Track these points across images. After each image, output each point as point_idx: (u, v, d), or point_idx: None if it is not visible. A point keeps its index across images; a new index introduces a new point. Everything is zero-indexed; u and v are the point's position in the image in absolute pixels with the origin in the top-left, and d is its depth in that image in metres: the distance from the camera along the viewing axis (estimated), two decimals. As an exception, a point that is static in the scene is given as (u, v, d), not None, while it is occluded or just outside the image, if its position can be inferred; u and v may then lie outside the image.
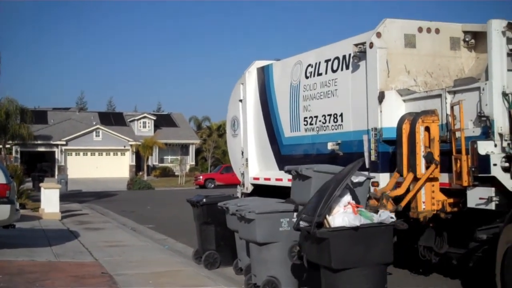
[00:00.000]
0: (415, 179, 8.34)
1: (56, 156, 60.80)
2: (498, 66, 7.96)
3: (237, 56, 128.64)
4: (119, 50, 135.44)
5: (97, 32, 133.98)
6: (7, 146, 46.74)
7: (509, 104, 7.87)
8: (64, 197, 26.17)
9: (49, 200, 20.90)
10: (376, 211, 7.30)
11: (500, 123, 7.84)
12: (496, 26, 8.03)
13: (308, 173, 8.44)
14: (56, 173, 56.57)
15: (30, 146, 55.41)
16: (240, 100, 13.73)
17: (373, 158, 9.40)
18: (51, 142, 59.95)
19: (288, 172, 9.09)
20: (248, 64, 13.67)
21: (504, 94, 7.88)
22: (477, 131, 8.04)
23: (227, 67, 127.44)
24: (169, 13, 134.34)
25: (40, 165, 55.77)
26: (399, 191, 8.37)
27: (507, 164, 7.64)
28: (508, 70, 8.01)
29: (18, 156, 56.43)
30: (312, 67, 11.26)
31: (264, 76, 12.96)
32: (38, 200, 23.44)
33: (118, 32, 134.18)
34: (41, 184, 25.05)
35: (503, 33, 8.01)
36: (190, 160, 66.24)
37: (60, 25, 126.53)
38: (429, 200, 8.43)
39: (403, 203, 8.32)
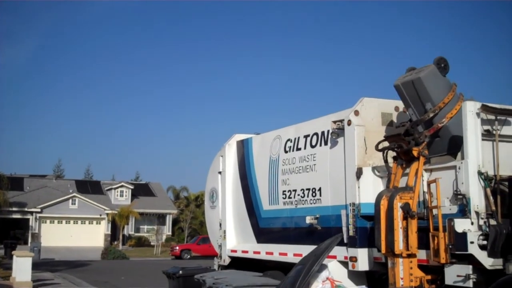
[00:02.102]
0: (394, 255, 8.36)
1: (30, 224, 59.72)
2: (473, 146, 8.16)
3: (216, 128, 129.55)
4: (98, 119, 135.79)
5: (76, 101, 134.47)
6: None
7: (485, 182, 8.03)
8: (37, 266, 25.61)
9: (21, 268, 20.42)
10: None
11: (476, 201, 7.96)
12: (470, 108, 8.28)
13: None
14: (30, 240, 55.43)
15: (4, 212, 54.52)
16: (220, 172, 13.80)
17: (351, 233, 9.43)
18: (26, 209, 59.02)
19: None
20: (227, 136, 13.86)
21: (480, 173, 8.05)
22: (454, 209, 8.15)
23: (206, 139, 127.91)
24: (147, 82, 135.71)
25: (13, 232, 54.74)
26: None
27: (484, 242, 7.72)
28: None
29: (-9, 222, 55.37)
30: (291, 141, 11.43)
31: (244, 149, 13.09)
32: (10, 268, 22.90)
33: (97, 102, 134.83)
34: (13, 252, 24.53)
35: (477, 114, 8.27)
36: (167, 230, 65.48)
37: (38, 92, 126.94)
38: (407, 276, 8.42)
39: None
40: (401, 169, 8.88)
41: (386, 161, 9.09)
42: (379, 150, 9.18)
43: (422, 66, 9.21)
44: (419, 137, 8.67)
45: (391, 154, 9.18)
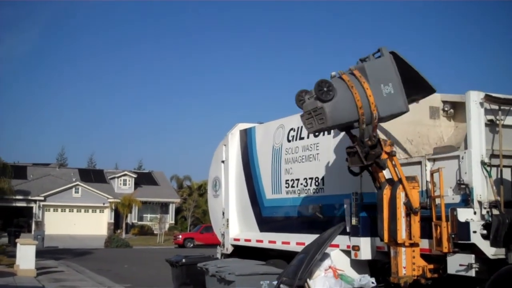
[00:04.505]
0: (396, 244, 8.39)
1: (34, 212, 59.95)
2: (477, 136, 8.17)
3: (219, 117, 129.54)
4: (101, 108, 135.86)
5: (79, 90, 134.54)
6: (-16, 200, 46.15)
7: (488, 172, 8.04)
8: (40, 254, 25.72)
9: (25, 256, 20.55)
10: None
11: (479, 191, 7.98)
12: (474, 97, 8.28)
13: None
14: (33, 229, 55.64)
15: (7, 201, 54.68)
16: (223, 161, 13.81)
17: (354, 222, 9.45)
18: (29, 197, 59.22)
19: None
20: (230, 125, 13.86)
21: (483, 163, 8.06)
22: (457, 199, 8.17)
23: (209, 128, 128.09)
24: (151, 72, 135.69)
25: (17, 221, 54.92)
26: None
27: (486, 231, 7.74)
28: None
29: (-5, 210, 55.57)
30: (294, 131, 11.43)
31: (247, 138, 13.10)
32: (14, 256, 23.03)
33: (101, 91, 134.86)
34: (17, 240, 24.63)
35: (481, 104, 8.27)
36: (170, 219, 65.68)
37: (41, 80, 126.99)
38: (409, 266, 8.45)
39: (396, 158, 8.48)
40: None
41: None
42: (356, 175, 9.05)
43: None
44: (374, 144, 8.39)
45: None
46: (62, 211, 61.83)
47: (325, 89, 8.10)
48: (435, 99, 10.23)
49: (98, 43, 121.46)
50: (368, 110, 8.20)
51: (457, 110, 10.06)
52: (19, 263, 20.77)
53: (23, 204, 59.56)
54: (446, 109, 10.18)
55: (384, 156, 8.34)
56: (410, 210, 8.33)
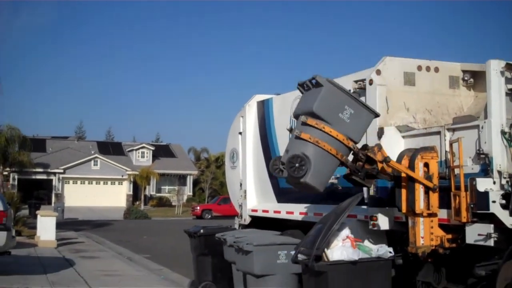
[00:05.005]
0: (414, 214, 8.37)
1: (54, 184, 60.71)
2: (497, 105, 8.05)
3: (236, 88, 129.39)
4: (119, 81, 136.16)
5: (98, 63, 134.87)
6: (5, 173, 46.69)
7: (508, 142, 7.95)
8: (60, 225, 26.07)
9: (45, 227, 20.85)
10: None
11: (499, 161, 7.90)
12: (494, 66, 8.15)
13: (321, 80, 8.05)
14: (53, 201, 56.44)
15: (27, 173, 55.40)
16: (240, 133, 13.80)
17: (371, 192, 9.42)
18: (49, 170, 59.91)
19: (301, 86, 8.52)
20: (247, 97, 13.79)
21: (503, 133, 7.96)
22: (476, 168, 8.10)
23: (226, 99, 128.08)
24: (169, 46, 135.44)
25: (37, 193, 55.69)
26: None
27: (505, 201, 7.69)
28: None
29: (15, 183, 56.28)
30: (312, 101, 11.34)
31: (264, 109, 13.05)
32: (34, 228, 23.38)
33: (119, 63, 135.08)
34: (37, 212, 24.99)
35: (502, 73, 8.13)
36: (188, 191, 66.15)
37: (60, 54, 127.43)
38: (427, 236, 8.43)
39: (393, 163, 8.14)
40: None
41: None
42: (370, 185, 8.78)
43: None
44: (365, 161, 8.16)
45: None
46: (81, 184, 62.51)
47: (297, 165, 7.70)
48: (455, 69, 10.11)
49: (118, 17, 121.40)
50: (343, 147, 7.92)
51: (477, 80, 9.92)
52: (40, 234, 21.09)
53: (43, 177, 60.30)
54: (466, 78, 10.05)
55: (381, 165, 8.21)
56: (428, 189, 8.29)
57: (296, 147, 7.97)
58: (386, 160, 8.07)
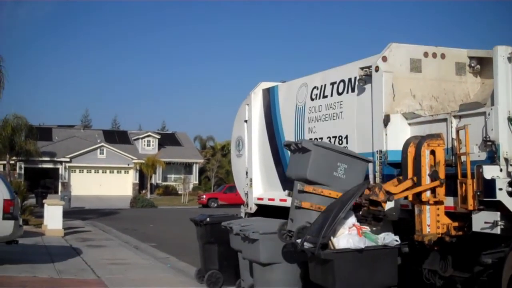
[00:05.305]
0: (420, 202, 8.35)
1: (60, 173, 60.90)
2: (504, 92, 7.99)
3: (242, 77, 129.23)
4: (125, 69, 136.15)
5: (104, 52, 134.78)
6: (11, 162, 46.84)
7: (515, 129, 7.89)
8: (67, 214, 26.19)
9: (52, 216, 20.93)
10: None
11: (505, 148, 7.85)
12: (501, 53, 8.07)
13: (308, 146, 8.30)
14: (60, 189, 56.63)
15: (34, 162, 55.56)
16: (245, 121, 13.77)
17: (378, 180, 9.40)
18: (55, 159, 60.07)
19: (287, 146, 8.93)
20: (253, 85, 13.75)
21: (510, 119, 7.90)
22: (483, 156, 8.05)
23: (232, 88, 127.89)
24: (175, 34, 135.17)
25: (44, 182, 55.92)
26: (395, 189, 8.26)
27: (512, 189, 7.65)
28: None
29: (22, 172, 56.50)
30: (317, 89, 11.31)
31: (270, 97, 13.01)
32: (41, 217, 23.48)
33: (125, 52, 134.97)
34: (44, 201, 25.08)
35: (509, 59, 8.05)
36: (194, 179, 66.26)
37: (65, 43, 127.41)
38: (434, 223, 8.41)
39: (397, 197, 8.22)
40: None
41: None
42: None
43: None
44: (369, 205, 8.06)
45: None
46: (87, 172, 62.69)
47: (308, 236, 7.54)
48: (461, 55, 10.04)
49: (124, 4, 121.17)
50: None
51: (484, 66, 9.84)
52: (47, 223, 21.17)
53: (49, 166, 60.47)
54: (472, 65, 9.98)
55: (385, 204, 8.21)
56: (436, 179, 8.26)
57: (299, 218, 8.10)
58: (389, 199, 8.11)
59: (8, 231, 12.14)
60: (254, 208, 13.26)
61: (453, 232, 8.43)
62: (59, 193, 49.50)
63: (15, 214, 12.33)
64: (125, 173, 64.07)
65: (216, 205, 46.41)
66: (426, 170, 8.32)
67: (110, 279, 11.37)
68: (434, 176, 8.26)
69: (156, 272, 12.75)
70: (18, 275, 11.50)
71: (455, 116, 8.57)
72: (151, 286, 10.87)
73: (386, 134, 9.30)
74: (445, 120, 8.72)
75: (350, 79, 10.34)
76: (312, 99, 11.42)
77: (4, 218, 12.01)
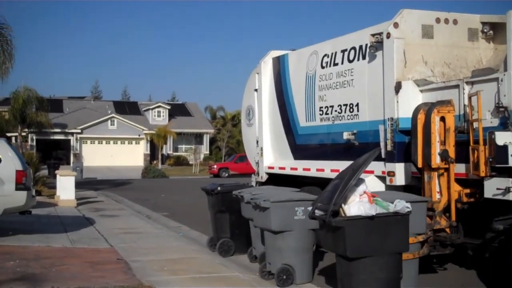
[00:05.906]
0: (430, 169, 8.32)
1: (72, 144, 61.18)
2: (517, 57, 7.90)
3: (252, 46, 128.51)
4: (134, 40, 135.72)
5: (113, 22, 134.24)
6: (23, 134, 47.10)
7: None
8: (79, 185, 26.34)
9: (65, 187, 21.05)
10: None
11: (518, 114, 7.79)
12: (515, 17, 7.96)
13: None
14: (72, 161, 56.96)
15: (45, 134, 55.83)
16: (256, 90, 13.73)
17: (389, 148, 9.38)
18: (67, 130, 60.30)
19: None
20: (263, 54, 13.67)
21: (523, 85, 7.83)
22: (495, 122, 8.01)
23: (242, 57, 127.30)
24: (185, 7, 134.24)
25: (56, 153, 56.25)
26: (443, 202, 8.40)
27: (524, 155, 7.60)
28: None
29: (34, 144, 56.81)
30: (328, 57, 11.24)
31: (280, 66, 12.94)
32: (54, 187, 23.64)
33: (134, 22, 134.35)
34: (56, 172, 25.21)
35: (522, 24, 7.95)
36: (204, 149, 66.36)
37: (75, 14, 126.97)
38: (444, 190, 8.41)
39: (454, 217, 8.43)
40: None
41: None
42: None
43: None
44: None
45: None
46: (99, 143, 62.91)
47: None
48: (474, 21, 9.92)
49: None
50: None
51: (497, 32, 9.73)
52: (60, 194, 21.31)
53: (61, 137, 60.75)
54: (485, 30, 9.86)
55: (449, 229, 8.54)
56: (445, 160, 8.23)
57: None
58: (452, 224, 8.49)
59: (21, 201, 12.23)
60: (265, 177, 13.30)
61: (464, 199, 8.43)
62: (71, 164, 49.74)
63: (27, 185, 12.41)
64: (136, 143, 64.24)
65: (227, 175, 46.55)
66: (436, 137, 8.29)
67: (123, 248, 11.47)
68: (444, 155, 8.23)
69: (168, 241, 12.84)
70: (32, 244, 11.62)
71: (467, 82, 8.50)
72: (164, 254, 10.96)
73: (397, 101, 9.26)
74: (457, 86, 8.65)
75: (361, 46, 10.25)
76: (322, 67, 11.36)
77: (17, 189, 12.09)
